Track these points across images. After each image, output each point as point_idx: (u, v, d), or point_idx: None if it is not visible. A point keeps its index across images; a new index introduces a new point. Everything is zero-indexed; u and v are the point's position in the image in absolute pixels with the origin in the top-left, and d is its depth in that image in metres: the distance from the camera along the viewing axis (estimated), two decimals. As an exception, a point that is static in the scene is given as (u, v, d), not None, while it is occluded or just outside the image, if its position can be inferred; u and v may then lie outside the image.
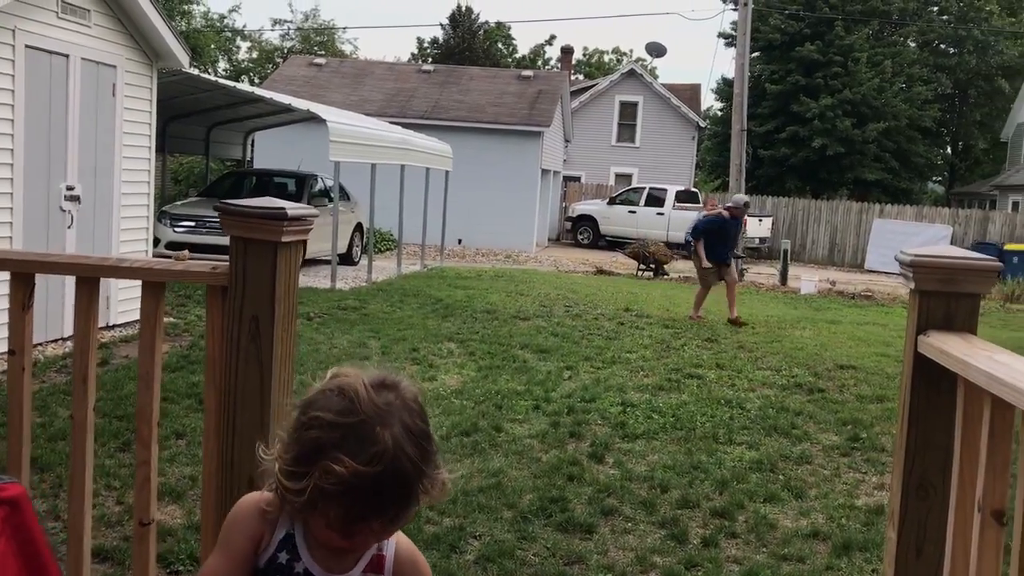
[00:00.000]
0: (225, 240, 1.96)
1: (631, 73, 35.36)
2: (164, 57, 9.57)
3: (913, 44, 39.00)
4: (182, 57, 9.75)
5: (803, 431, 6.68)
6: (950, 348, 1.59)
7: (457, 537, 4.34)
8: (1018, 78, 36.86)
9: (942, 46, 39.22)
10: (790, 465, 5.88)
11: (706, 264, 12.04)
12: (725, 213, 12.24)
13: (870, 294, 18.03)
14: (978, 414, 1.51)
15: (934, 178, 43.94)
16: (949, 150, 42.85)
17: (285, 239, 1.89)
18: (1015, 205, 30.94)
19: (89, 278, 2.09)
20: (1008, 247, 24.39)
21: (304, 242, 2.00)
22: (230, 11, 55.78)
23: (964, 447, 1.59)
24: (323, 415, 1.28)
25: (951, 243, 25.85)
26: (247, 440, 1.96)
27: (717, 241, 12.00)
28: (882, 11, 35.92)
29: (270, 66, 44.31)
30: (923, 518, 1.78)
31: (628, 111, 34.77)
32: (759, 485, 5.39)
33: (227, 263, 1.94)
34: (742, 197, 12.92)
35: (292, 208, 1.89)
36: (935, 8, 38.82)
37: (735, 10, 20.58)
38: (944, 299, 1.73)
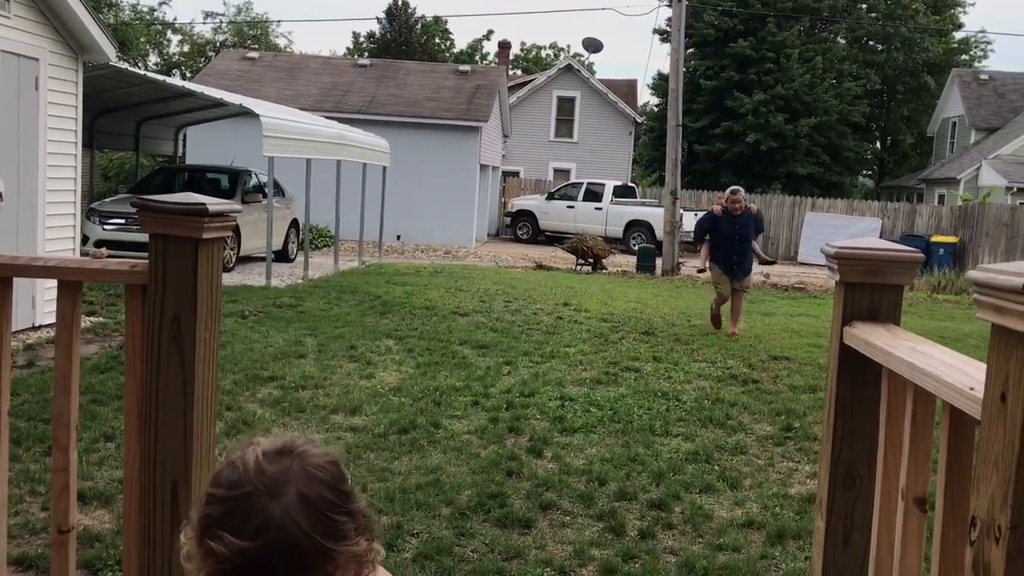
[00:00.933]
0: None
1: (568, 68, 35.51)
2: (90, 50, 9.31)
3: (843, 41, 39.86)
4: (109, 50, 9.50)
5: (738, 422, 6.78)
6: (874, 339, 1.61)
7: (395, 535, 4.30)
8: (943, 75, 37.89)
9: (871, 43, 40.14)
10: (725, 456, 5.95)
11: (702, 266, 11.05)
12: (716, 209, 10.80)
13: (803, 286, 18.38)
14: (901, 404, 1.53)
15: (864, 172, 44.97)
16: (878, 145, 43.89)
17: (206, 235, 1.84)
18: (941, 198, 31.81)
19: (0, 277, 2.01)
20: (935, 239, 25.07)
21: (225, 238, 1.95)
22: (160, 4, 54.48)
23: (888, 437, 1.61)
24: (214, 491, 1.18)
25: (880, 236, 26.48)
26: (170, 443, 1.91)
27: (717, 243, 10.63)
28: (813, 8, 36.61)
29: (202, 60, 43.47)
30: (850, 507, 1.80)
31: (566, 106, 34.91)
32: (695, 476, 5.45)
33: (146, 261, 1.88)
34: (738, 188, 11.12)
35: (213, 203, 1.83)
36: (864, 6, 39.69)
37: (670, 6, 20.76)
38: (868, 290, 1.75)
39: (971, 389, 1.23)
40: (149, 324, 1.89)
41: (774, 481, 5.50)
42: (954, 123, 35.56)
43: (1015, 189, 27.82)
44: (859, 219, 27.23)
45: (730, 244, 10.52)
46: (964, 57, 41.18)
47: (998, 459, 1.10)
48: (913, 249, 1.77)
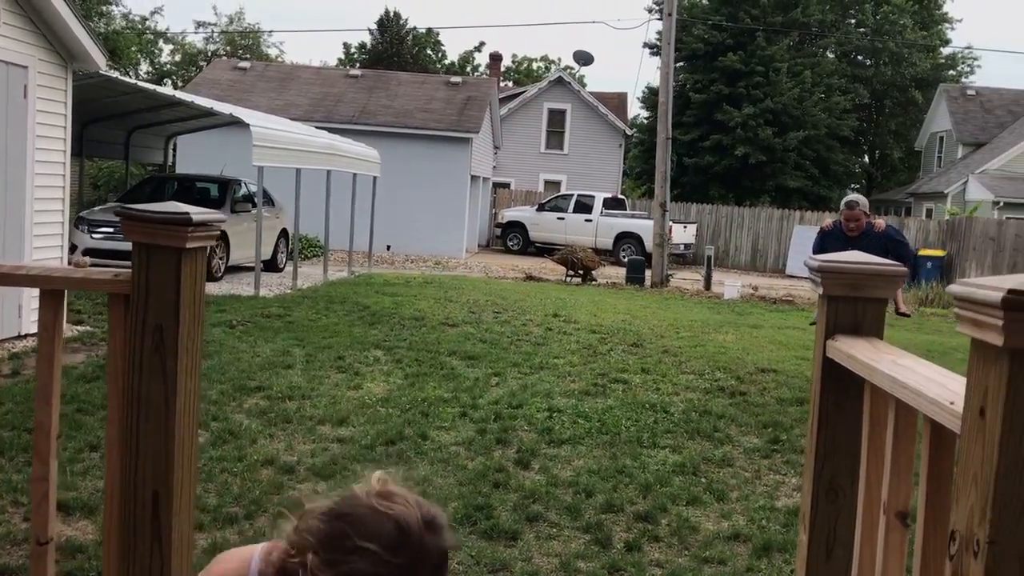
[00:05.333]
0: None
1: (559, 81, 35.61)
2: (80, 58, 9.29)
3: (831, 55, 40.10)
4: (99, 59, 9.49)
5: (725, 434, 6.78)
6: (857, 352, 1.62)
7: (380, 547, 4.28)
8: (930, 89, 38.16)
9: (859, 57, 40.41)
10: (712, 468, 5.95)
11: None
12: (826, 224, 8.52)
13: (791, 299, 18.43)
14: (883, 417, 1.53)
15: (852, 185, 45.17)
16: (866, 158, 44.15)
17: (190, 245, 1.83)
18: (929, 212, 31.99)
19: (-17, 286, 2.00)
20: (922, 253, 25.17)
21: (210, 247, 1.94)
22: (152, 13, 54.47)
23: (870, 450, 1.61)
24: (374, 548, 1.25)
25: (869, 249, 26.56)
26: (151, 453, 1.89)
27: None
28: (802, 23, 36.84)
29: (194, 69, 43.45)
30: (833, 521, 1.80)
31: (556, 118, 35.00)
32: (682, 488, 5.44)
33: (129, 270, 1.87)
34: (854, 199, 8.20)
35: (197, 212, 1.83)
36: (852, 21, 39.97)
37: (660, 20, 20.85)
38: (851, 304, 1.76)
39: (951, 403, 1.23)
40: (132, 334, 1.88)
41: (760, 494, 5.50)
42: (942, 137, 35.79)
43: (1001, 203, 28.00)
44: (847, 232, 27.31)
45: None
46: (951, 72, 41.49)
47: (977, 473, 1.10)
48: (895, 263, 1.78)
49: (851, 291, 1.75)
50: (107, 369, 1.97)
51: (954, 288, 1.16)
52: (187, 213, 1.81)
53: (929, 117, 37.28)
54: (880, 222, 8.05)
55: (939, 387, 1.30)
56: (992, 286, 1.07)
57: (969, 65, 42.79)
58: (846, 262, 1.76)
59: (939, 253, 25.08)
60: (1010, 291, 1.04)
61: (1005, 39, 76.08)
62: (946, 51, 41.69)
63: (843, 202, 8.20)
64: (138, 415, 1.88)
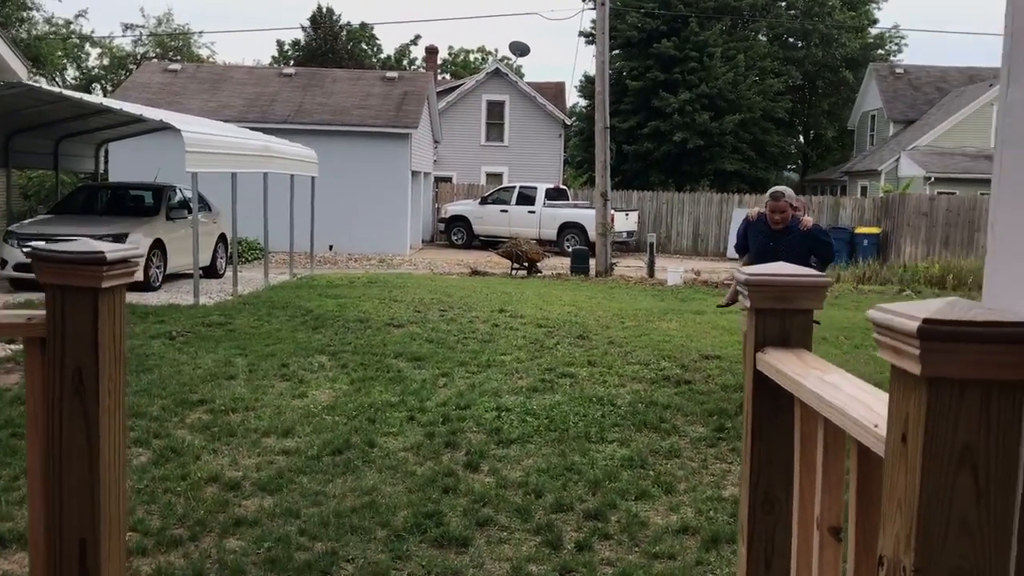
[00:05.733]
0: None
1: (496, 72, 35.54)
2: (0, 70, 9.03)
3: (764, 38, 40.63)
4: (19, 69, 9.24)
5: (672, 424, 6.84)
6: (785, 367, 1.62)
7: (329, 562, 4.24)
8: (860, 69, 38.89)
9: (790, 40, 41.00)
10: (660, 460, 6.00)
11: (724, 302, 8.72)
12: (751, 213, 7.54)
13: (732, 282, 18.65)
14: (813, 433, 1.54)
15: (789, 166, 45.89)
16: (801, 139, 44.85)
17: (106, 284, 1.77)
18: (863, 190, 32.63)
19: None
20: (859, 231, 25.69)
21: (124, 286, 1.88)
22: (77, 16, 52.96)
23: (803, 464, 1.62)
24: None
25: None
26: (77, 501, 1.83)
27: (755, 255, 7.19)
28: (733, 7, 37.25)
29: (123, 73, 42.47)
30: (770, 532, 1.81)
31: (495, 110, 34.93)
32: (630, 483, 5.47)
33: (43, 313, 1.80)
34: (780, 190, 7.49)
35: (112, 251, 1.77)
36: (783, 3, 40.52)
37: (594, 9, 20.91)
38: (779, 316, 1.76)
39: (875, 426, 1.23)
40: (50, 378, 1.81)
41: (708, 484, 5.56)
42: (873, 116, 36.52)
43: (933, 179, 28.67)
44: (786, 213, 27.75)
45: (762, 254, 6.88)
46: (880, 52, 42.30)
47: (902, 500, 1.11)
48: (820, 274, 1.79)
49: (778, 303, 1.76)
50: (26, 416, 1.90)
51: (873, 314, 1.16)
52: (101, 252, 1.75)
53: (860, 96, 38.01)
54: (808, 220, 7.28)
55: (864, 408, 1.31)
56: (909, 314, 1.08)
57: (897, 44, 43.70)
58: (773, 275, 1.77)
59: (875, 230, 25.61)
60: (925, 320, 1.04)
61: (929, 18, 77.81)
62: (874, 31, 42.51)
63: (768, 193, 7.49)
64: (61, 463, 1.82)
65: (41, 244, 1.85)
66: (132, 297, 12.40)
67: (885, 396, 1.29)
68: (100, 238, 13.74)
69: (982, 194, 26.87)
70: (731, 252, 27.51)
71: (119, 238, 13.74)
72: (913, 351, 1.06)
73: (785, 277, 1.76)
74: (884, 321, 1.12)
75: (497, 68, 36.04)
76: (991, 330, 1.02)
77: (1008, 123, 1.18)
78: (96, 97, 17.93)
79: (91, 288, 1.77)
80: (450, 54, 56.70)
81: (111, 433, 1.87)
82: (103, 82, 43.94)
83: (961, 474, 1.06)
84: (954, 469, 1.06)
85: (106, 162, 21.66)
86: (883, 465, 1.19)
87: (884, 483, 1.17)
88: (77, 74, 44.65)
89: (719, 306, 9.46)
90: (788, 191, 7.51)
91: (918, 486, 1.07)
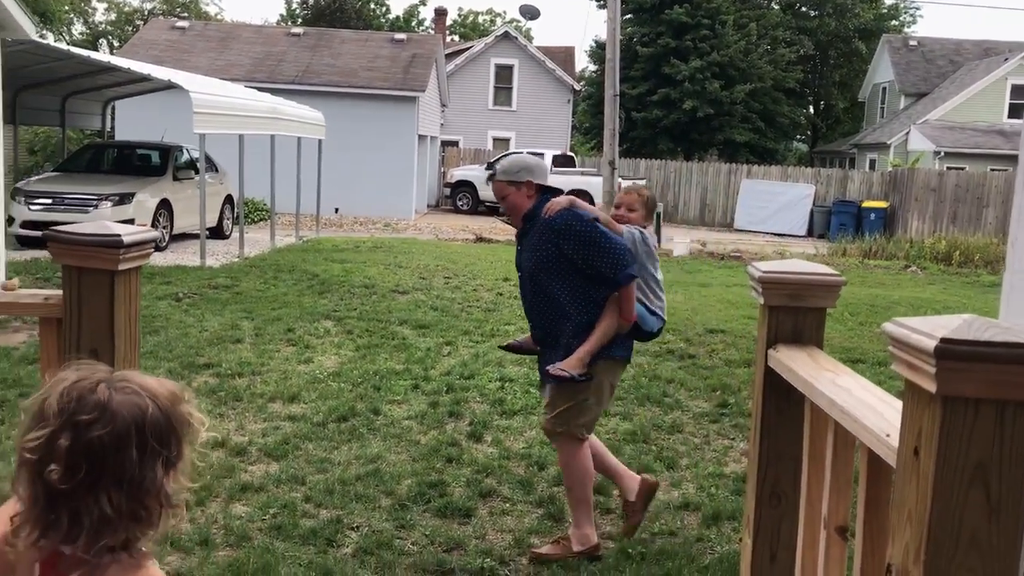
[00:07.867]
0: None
1: (506, 36, 35.24)
2: (6, 27, 8.97)
3: (776, 7, 40.21)
4: (27, 25, 9.17)
5: (675, 399, 6.86)
6: (797, 367, 1.63)
7: (334, 530, 4.28)
8: (873, 40, 38.50)
9: (803, 8, 40.57)
10: (662, 435, 6.03)
11: None
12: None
13: (739, 254, 18.63)
14: (823, 434, 1.55)
15: (798, 137, 45.62)
16: (811, 110, 44.53)
17: (123, 267, 1.78)
18: (872, 163, 32.45)
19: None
20: (866, 204, 25.60)
21: (139, 268, 1.89)
22: (83, -32, 52.48)
23: (811, 462, 1.64)
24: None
25: (813, 202, 26.97)
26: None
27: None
28: (747, -26, 36.83)
29: (130, 29, 42.16)
30: (776, 525, 1.83)
31: (504, 74, 34.68)
32: (632, 457, 5.51)
33: (60, 293, 1.82)
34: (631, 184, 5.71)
35: (128, 234, 1.78)
36: (797, -28, 40.09)
37: (606, -26, 20.65)
38: (792, 314, 1.77)
39: (887, 435, 1.25)
40: (65, 358, 1.83)
41: (710, 460, 5.59)
42: (884, 88, 36.20)
43: (942, 153, 28.49)
44: (792, 185, 27.67)
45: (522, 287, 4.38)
46: (894, 23, 41.87)
47: (912, 512, 1.12)
48: (835, 272, 1.79)
49: (791, 301, 1.76)
50: (42, 393, 1.92)
51: (889, 328, 1.17)
52: (119, 235, 1.75)
53: (872, 68, 37.66)
54: (555, 205, 4.13)
55: (876, 416, 1.32)
56: (926, 332, 1.08)
57: (911, 15, 43.30)
58: (788, 272, 1.77)
59: (882, 204, 25.51)
60: (943, 340, 1.05)
61: (946, -12, 76.71)
62: (888, 1, 42.04)
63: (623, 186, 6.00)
64: (76, 441, 1.84)
65: (58, 226, 1.86)
66: (138, 257, 12.39)
67: (897, 404, 1.30)
68: (106, 197, 13.68)
69: (992, 170, 26.74)
70: (738, 223, 27.46)
71: (125, 197, 13.74)
72: (929, 369, 1.07)
73: (800, 275, 1.76)
74: (901, 336, 1.13)
75: (506, 31, 35.73)
76: (1008, 351, 1.03)
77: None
78: (104, 55, 17.83)
79: (108, 271, 1.78)
80: (459, 15, 56.26)
81: (126, 412, 1.89)
82: (110, 38, 43.65)
83: (973, 490, 1.07)
84: (966, 485, 1.07)
85: (112, 120, 21.59)
86: (893, 474, 1.21)
87: (894, 493, 1.18)
88: (84, 30, 44.34)
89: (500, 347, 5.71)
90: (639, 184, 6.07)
91: (929, 500, 1.09)
